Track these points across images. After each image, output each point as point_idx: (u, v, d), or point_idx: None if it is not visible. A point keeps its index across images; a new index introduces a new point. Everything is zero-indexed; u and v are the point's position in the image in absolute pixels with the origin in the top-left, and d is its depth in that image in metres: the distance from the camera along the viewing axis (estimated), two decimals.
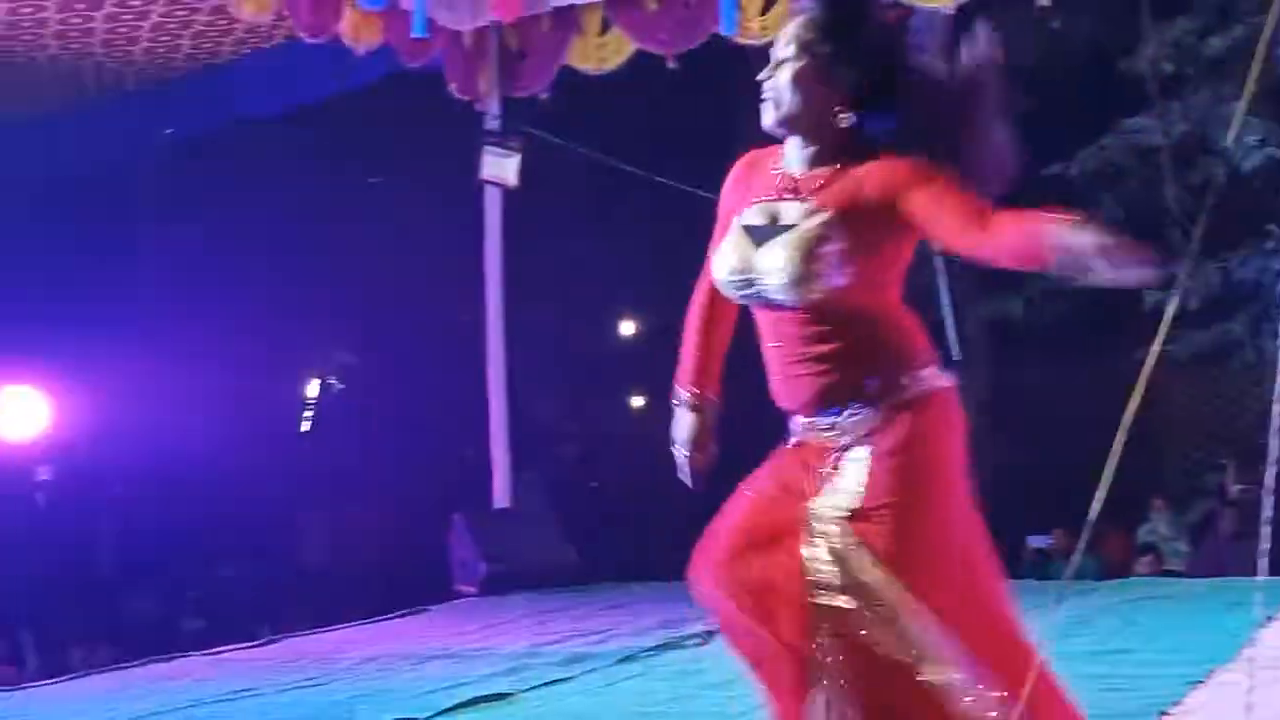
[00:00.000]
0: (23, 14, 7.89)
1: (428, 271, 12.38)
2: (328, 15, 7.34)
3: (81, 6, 7.82)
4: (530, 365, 9.54)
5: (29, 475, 9.22)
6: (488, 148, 8.41)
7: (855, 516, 2.64)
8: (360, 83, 8.67)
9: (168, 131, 9.42)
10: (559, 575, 7.69)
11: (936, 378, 2.72)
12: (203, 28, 8.30)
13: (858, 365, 2.68)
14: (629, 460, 13.19)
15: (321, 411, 14.93)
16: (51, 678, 6.16)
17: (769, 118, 2.75)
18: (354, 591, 11.62)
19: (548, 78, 8.42)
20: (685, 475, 3.00)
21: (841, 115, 2.69)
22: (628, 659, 5.25)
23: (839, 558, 2.64)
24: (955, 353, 10.96)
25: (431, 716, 4.32)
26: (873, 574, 2.61)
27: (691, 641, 5.57)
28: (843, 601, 2.62)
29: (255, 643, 6.47)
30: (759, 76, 2.78)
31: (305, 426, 15.10)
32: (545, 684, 4.83)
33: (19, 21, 8.01)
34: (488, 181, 8.49)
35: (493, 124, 8.50)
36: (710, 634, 5.75)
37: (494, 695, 4.62)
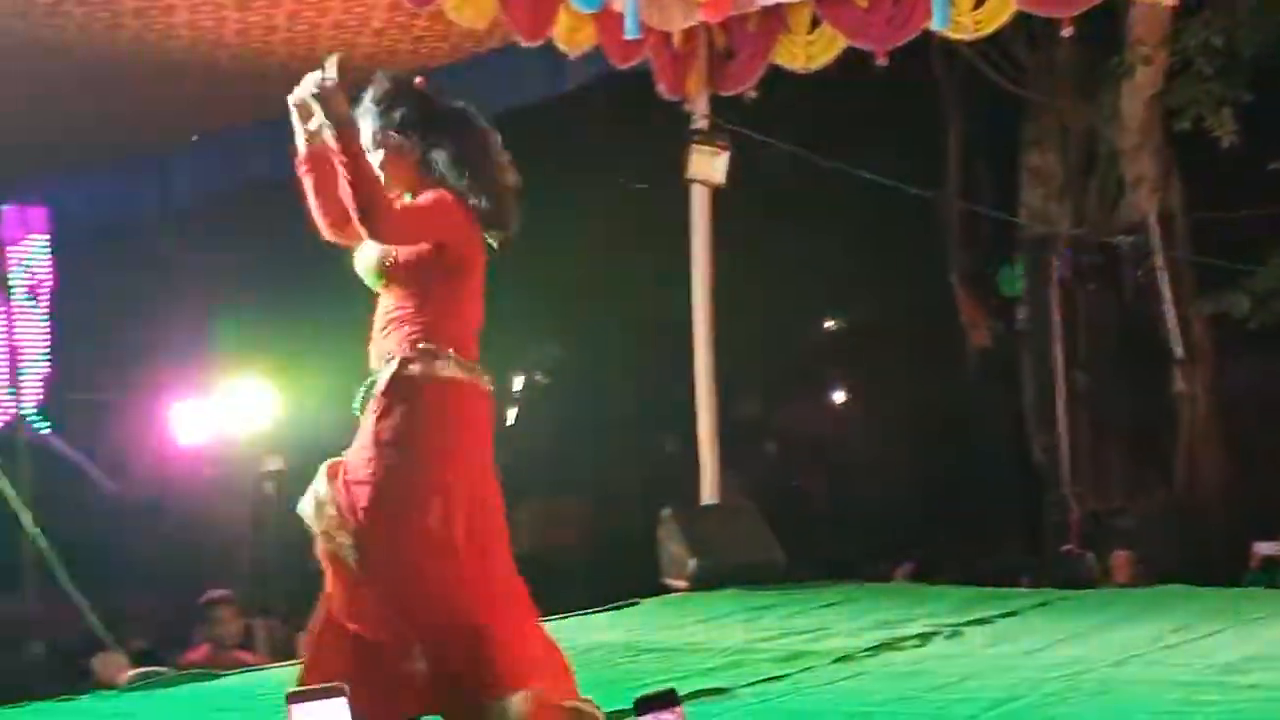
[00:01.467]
0: (252, 23, 8.23)
1: (633, 270, 12.52)
2: (543, 19, 7.47)
3: (309, 14, 8.11)
4: (733, 362, 9.58)
5: (257, 465, 9.60)
6: (695, 146, 8.46)
7: (342, 475, 3.49)
8: (571, 85, 8.81)
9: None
10: (767, 573, 7.71)
11: (440, 369, 3.50)
12: (421, 33, 8.53)
13: (387, 343, 3.56)
14: (830, 458, 13.16)
15: (526, 405, 15.21)
16: (281, 663, 6.38)
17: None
18: (560, 584, 11.81)
19: (755, 76, 8.44)
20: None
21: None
22: (845, 658, 5.22)
23: (319, 504, 3.50)
24: (1178, 351, 10.67)
25: None
26: (330, 526, 3.46)
27: (910, 643, 5.53)
28: (322, 540, 3.49)
29: None
30: None
31: (510, 420, 15.43)
32: (763, 680, 4.84)
33: (249, 30, 8.36)
34: (695, 180, 8.54)
35: (700, 123, 8.54)
36: (929, 635, 5.71)
37: (713, 689, 4.64)
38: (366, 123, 3.62)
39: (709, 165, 8.45)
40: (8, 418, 13.39)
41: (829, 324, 14.23)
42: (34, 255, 14.22)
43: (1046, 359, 10.94)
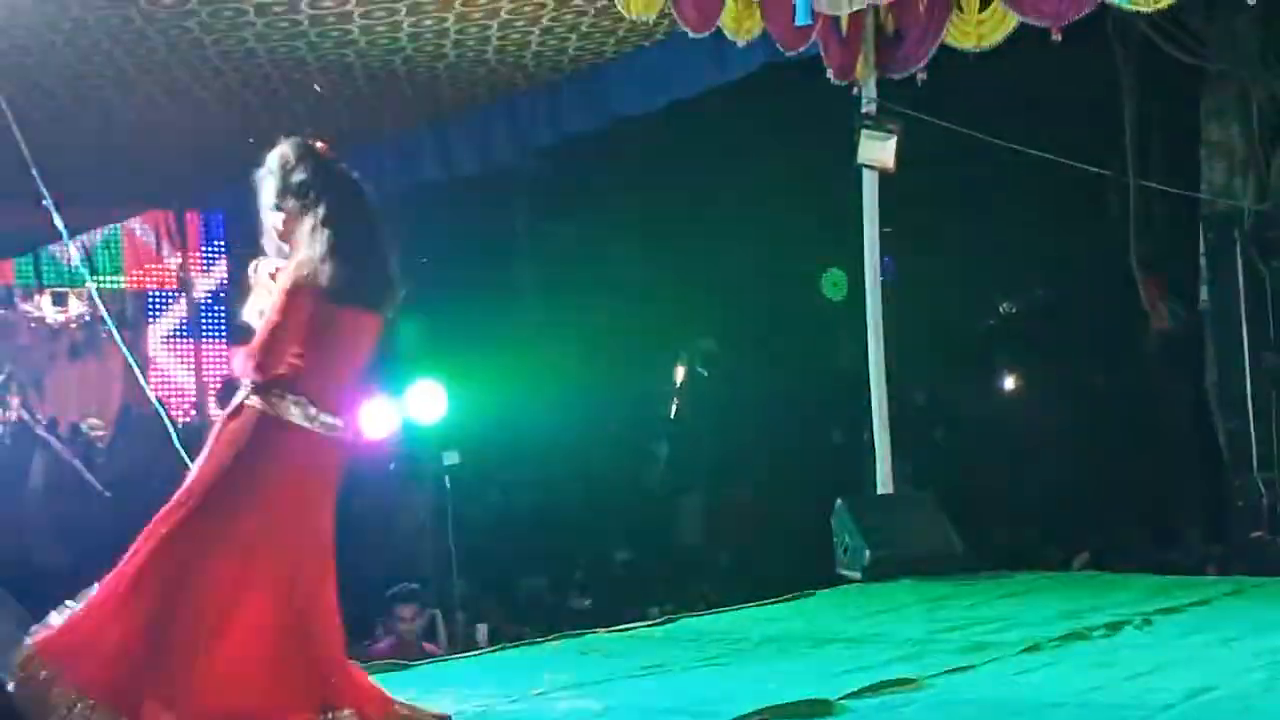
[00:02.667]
0: (425, 26, 8.39)
1: (801, 259, 12.45)
2: (712, 8, 7.45)
3: (478, 16, 8.24)
4: (903, 348, 9.46)
5: (436, 461, 9.82)
6: (865, 131, 8.37)
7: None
8: (737, 74, 8.79)
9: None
10: (945, 562, 7.60)
11: (252, 401, 3.75)
12: (589, 29, 8.61)
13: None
14: (1005, 445, 12.89)
15: (688, 398, 15.22)
16: (461, 653, 6.49)
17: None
18: (730, 575, 11.83)
19: (925, 57, 8.31)
20: None
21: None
22: (1032, 649, 5.13)
23: None
24: None
25: (841, 698, 4.34)
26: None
27: (1098, 632, 5.41)
28: None
29: (654, 621, 6.67)
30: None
31: (672, 412, 15.44)
32: (950, 671, 4.78)
33: (421, 34, 8.52)
34: (865, 165, 8.45)
35: (869, 107, 8.45)
36: (1118, 625, 5.58)
37: (900, 680, 4.60)
38: (269, 185, 3.88)
39: (879, 149, 8.35)
40: (191, 416, 13.92)
41: (1003, 308, 13.95)
42: (214, 259, 14.77)
43: (1231, 339, 10.55)
